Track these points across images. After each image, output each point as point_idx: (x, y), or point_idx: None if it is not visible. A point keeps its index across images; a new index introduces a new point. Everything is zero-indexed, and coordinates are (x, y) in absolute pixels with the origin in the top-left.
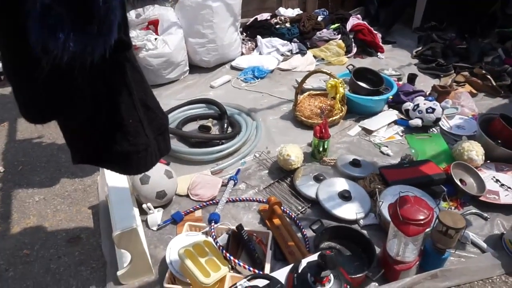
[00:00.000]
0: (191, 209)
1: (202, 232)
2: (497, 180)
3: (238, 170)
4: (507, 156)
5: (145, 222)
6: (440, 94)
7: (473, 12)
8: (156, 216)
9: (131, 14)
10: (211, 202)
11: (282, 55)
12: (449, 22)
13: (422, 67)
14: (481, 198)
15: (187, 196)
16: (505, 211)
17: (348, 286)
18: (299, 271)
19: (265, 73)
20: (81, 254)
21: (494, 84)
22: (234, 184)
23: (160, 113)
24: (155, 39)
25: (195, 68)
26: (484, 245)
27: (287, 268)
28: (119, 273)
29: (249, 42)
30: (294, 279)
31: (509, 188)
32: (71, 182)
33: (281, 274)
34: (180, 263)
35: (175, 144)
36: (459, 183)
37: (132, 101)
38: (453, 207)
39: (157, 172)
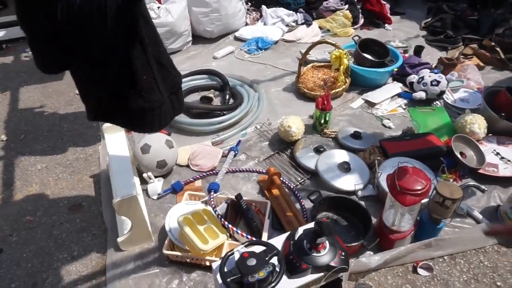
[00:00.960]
0: (191, 179)
1: (202, 201)
2: (498, 153)
3: (239, 141)
4: (510, 129)
5: (145, 191)
6: (446, 66)
7: None
8: (157, 185)
9: None
10: (211, 172)
11: (287, 25)
12: None
13: (430, 39)
14: (480, 171)
15: (188, 166)
16: (503, 184)
17: (343, 253)
18: (296, 238)
19: (269, 44)
20: (82, 221)
21: (503, 56)
22: (235, 155)
23: (173, 71)
24: (158, 7)
25: (198, 38)
26: (480, 216)
27: (284, 236)
28: (119, 239)
29: (254, 12)
30: (290, 246)
31: (509, 161)
32: (73, 151)
33: (278, 241)
34: (179, 231)
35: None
36: (459, 156)
37: (146, 57)
38: (451, 179)
39: (158, 142)
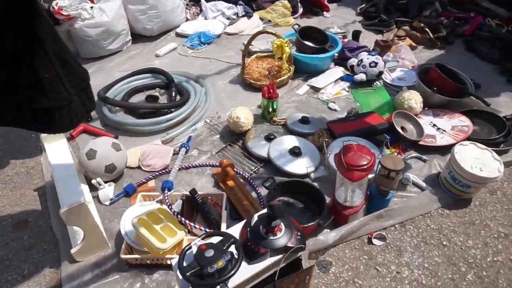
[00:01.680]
0: (144, 180)
1: (156, 201)
2: (434, 125)
3: (190, 137)
4: (443, 102)
5: (96, 198)
6: (382, 48)
7: None
8: (108, 191)
9: None
10: (163, 171)
11: (228, 19)
12: None
13: (366, 23)
14: (420, 143)
15: (139, 167)
16: (441, 152)
17: (299, 233)
18: (252, 224)
19: (212, 38)
20: (30, 238)
21: (432, 36)
22: (186, 152)
23: (77, 66)
24: (91, 7)
25: (138, 37)
26: (423, 184)
27: (241, 224)
28: (73, 250)
29: (194, 7)
30: (247, 233)
31: (444, 131)
32: (12, 166)
33: (235, 230)
34: (135, 233)
35: (123, 117)
36: (400, 130)
37: (45, 53)
38: (395, 153)
39: (104, 146)
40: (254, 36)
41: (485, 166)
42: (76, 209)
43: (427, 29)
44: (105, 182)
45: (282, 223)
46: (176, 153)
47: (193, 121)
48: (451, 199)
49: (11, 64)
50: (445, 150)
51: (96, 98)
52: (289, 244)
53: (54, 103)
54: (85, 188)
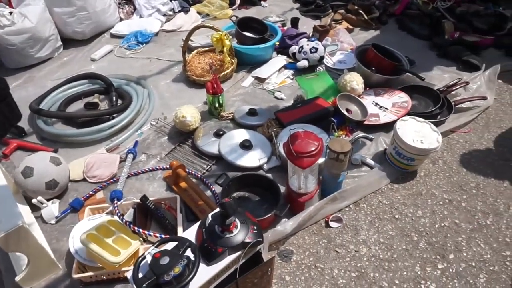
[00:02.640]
0: (91, 192)
1: (107, 213)
2: (376, 104)
3: (136, 142)
4: (382, 80)
5: (40, 218)
6: (321, 33)
7: None
8: (52, 209)
9: None
10: (111, 180)
11: (164, 15)
12: None
13: (303, 10)
14: (365, 122)
15: (84, 180)
16: (385, 130)
17: (255, 227)
18: (207, 225)
19: (149, 36)
20: None
21: (366, 17)
22: (134, 157)
23: None
24: (10, 12)
25: (69, 41)
26: (372, 162)
27: (196, 226)
28: (17, 278)
29: (126, 6)
30: (203, 234)
31: (386, 108)
32: None
33: (191, 233)
34: (86, 249)
35: (61, 128)
36: (345, 112)
37: None
38: (343, 135)
39: (42, 162)
40: (191, 32)
41: (425, 138)
42: (15, 234)
43: (361, 11)
44: (48, 200)
45: (237, 220)
46: (123, 160)
47: (138, 125)
48: (398, 174)
49: None
50: (389, 127)
51: (29, 110)
52: (247, 240)
53: None
54: (24, 209)
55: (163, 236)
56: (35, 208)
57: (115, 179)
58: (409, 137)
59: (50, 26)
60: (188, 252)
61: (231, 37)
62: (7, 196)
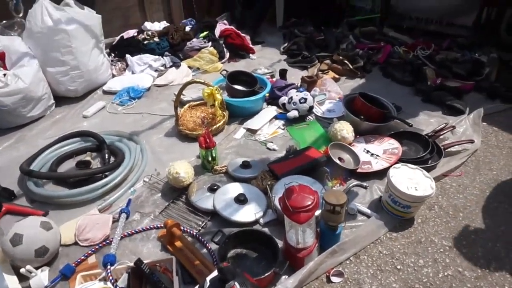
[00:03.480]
0: (83, 257)
1: (99, 280)
2: (368, 151)
3: (129, 201)
4: (371, 128)
5: None
6: (308, 84)
7: (324, 6)
8: (41, 278)
9: None
10: (104, 243)
11: (156, 70)
12: (307, 17)
13: (290, 61)
14: (358, 170)
15: (76, 243)
16: (379, 177)
17: None
18: None
19: (141, 92)
20: None
21: (351, 67)
22: (127, 217)
23: None
24: (4, 75)
25: (62, 99)
26: (368, 211)
27: None
28: None
29: (119, 63)
30: None
31: (378, 156)
32: None
33: None
34: None
35: (52, 189)
36: (338, 161)
37: None
38: (338, 185)
39: (31, 227)
40: (183, 87)
41: (419, 185)
42: None
43: (346, 61)
44: (37, 268)
45: (236, 283)
46: (116, 221)
47: (131, 183)
48: (396, 222)
49: None
50: (382, 174)
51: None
52: None
53: None
54: (11, 280)
55: None
56: (22, 278)
57: (108, 241)
58: (403, 185)
59: (43, 85)
60: None
61: (222, 90)
62: None
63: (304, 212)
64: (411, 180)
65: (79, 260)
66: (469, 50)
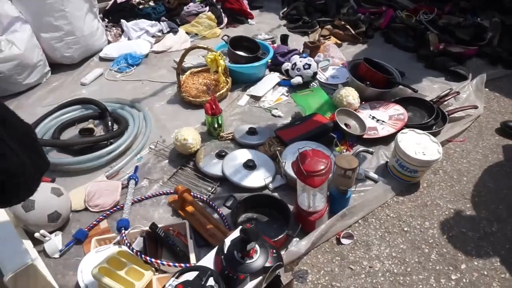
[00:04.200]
0: (95, 222)
1: (114, 243)
2: (373, 117)
3: (136, 168)
4: (376, 94)
5: (43, 252)
6: (311, 50)
7: None
8: (55, 242)
9: None
10: (115, 209)
11: (153, 36)
12: None
13: (291, 26)
14: (365, 136)
15: (86, 209)
16: (384, 142)
17: (274, 250)
18: (225, 251)
19: (140, 58)
20: None
21: (353, 32)
22: (136, 183)
23: (18, 121)
24: None
25: (57, 66)
26: (375, 176)
27: (213, 252)
28: None
29: (114, 28)
30: (222, 261)
31: (384, 121)
32: None
33: (208, 260)
34: (97, 284)
35: (56, 157)
36: (344, 128)
37: None
38: (344, 150)
39: (43, 193)
40: (185, 53)
41: (426, 149)
42: (24, 273)
43: (348, 26)
44: (51, 233)
45: (256, 244)
46: (125, 187)
47: (136, 150)
48: (402, 186)
49: None
50: (388, 139)
51: None
52: (267, 264)
53: (4, 174)
54: (27, 244)
55: (176, 264)
56: (36, 242)
57: (118, 206)
58: (411, 150)
59: (38, 52)
60: (211, 281)
61: (224, 56)
62: (10, 232)
63: (318, 176)
64: (419, 145)
65: (91, 225)
66: (471, 15)
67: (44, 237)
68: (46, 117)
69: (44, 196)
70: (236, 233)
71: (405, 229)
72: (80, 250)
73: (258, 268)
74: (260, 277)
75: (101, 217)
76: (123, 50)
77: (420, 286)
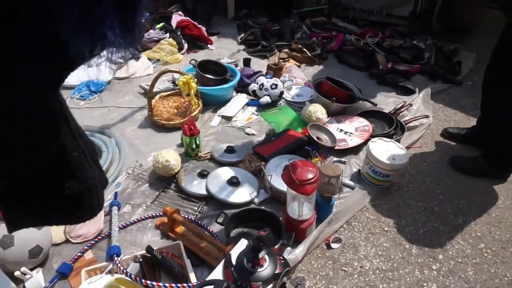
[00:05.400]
0: (79, 254)
1: (106, 273)
2: (341, 130)
3: (116, 194)
4: (340, 109)
5: None
6: (275, 71)
7: None
8: (38, 279)
9: None
10: (100, 237)
11: (114, 63)
12: (257, 8)
13: (250, 50)
14: (336, 148)
15: (67, 241)
16: (354, 152)
17: (281, 257)
18: (234, 263)
19: (103, 85)
20: None
21: (310, 55)
22: (118, 210)
23: (87, 138)
24: None
25: None
26: (352, 183)
27: (218, 267)
28: None
29: None
30: (232, 273)
31: (351, 133)
32: None
33: (217, 275)
34: None
35: None
36: (317, 141)
37: (70, 128)
38: (319, 161)
39: None
40: (158, 77)
41: (395, 155)
42: None
43: (305, 49)
44: (31, 270)
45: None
46: (107, 214)
47: (113, 176)
48: (376, 190)
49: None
50: (357, 149)
51: None
52: (277, 271)
53: (85, 184)
54: (7, 285)
55: (178, 285)
56: (16, 281)
57: (103, 235)
58: (382, 156)
59: None
60: None
61: (196, 79)
62: None
63: (309, 184)
64: (388, 152)
65: (75, 257)
66: (409, 38)
67: (25, 275)
68: None
69: (24, 230)
70: (240, 246)
71: (386, 228)
72: (66, 285)
73: (269, 275)
74: (271, 284)
75: (85, 247)
76: (84, 77)
77: (408, 278)
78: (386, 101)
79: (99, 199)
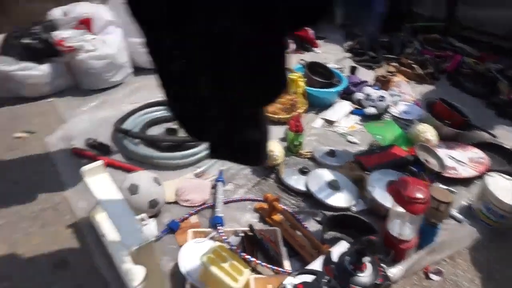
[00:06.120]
0: (186, 216)
1: (209, 238)
2: (452, 157)
3: (221, 171)
4: (452, 134)
5: None
6: (383, 83)
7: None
8: (151, 227)
9: (57, 12)
10: (205, 206)
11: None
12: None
13: (356, 59)
14: (444, 174)
15: (175, 202)
16: (465, 184)
17: (383, 269)
18: (334, 261)
19: None
20: (73, 279)
21: (422, 72)
22: (223, 186)
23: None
24: (93, 38)
25: (139, 69)
26: (460, 216)
27: (317, 262)
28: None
29: None
30: (333, 270)
31: (464, 163)
32: (36, 202)
33: (315, 268)
34: (202, 272)
35: (146, 150)
36: (425, 162)
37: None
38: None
39: (146, 180)
40: None
41: None
42: (145, 248)
43: (415, 66)
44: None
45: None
46: (212, 187)
47: None
48: (488, 230)
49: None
50: (468, 181)
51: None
52: (378, 282)
53: (263, 135)
54: (134, 223)
55: (274, 267)
56: None
57: (207, 204)
58: (501, 194)
59: (126, 54)
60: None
61: (305, 79)
62: (126, 209)
63: (419, 203)
64: (507, 191)
65: (182, 218)
66: None
67: (142, 220)
68: (134, 112)
69: (148, 183)
70: (340, 246)
71: (496, 277)
72: (172, 239)
73: (369, 283)
74: None
75: (192, 211)
76: None
77: None
78: (507, 135)
79: (265, 150)
